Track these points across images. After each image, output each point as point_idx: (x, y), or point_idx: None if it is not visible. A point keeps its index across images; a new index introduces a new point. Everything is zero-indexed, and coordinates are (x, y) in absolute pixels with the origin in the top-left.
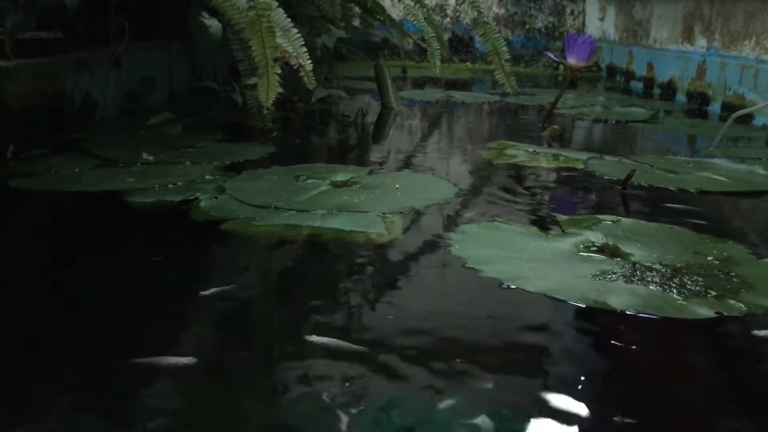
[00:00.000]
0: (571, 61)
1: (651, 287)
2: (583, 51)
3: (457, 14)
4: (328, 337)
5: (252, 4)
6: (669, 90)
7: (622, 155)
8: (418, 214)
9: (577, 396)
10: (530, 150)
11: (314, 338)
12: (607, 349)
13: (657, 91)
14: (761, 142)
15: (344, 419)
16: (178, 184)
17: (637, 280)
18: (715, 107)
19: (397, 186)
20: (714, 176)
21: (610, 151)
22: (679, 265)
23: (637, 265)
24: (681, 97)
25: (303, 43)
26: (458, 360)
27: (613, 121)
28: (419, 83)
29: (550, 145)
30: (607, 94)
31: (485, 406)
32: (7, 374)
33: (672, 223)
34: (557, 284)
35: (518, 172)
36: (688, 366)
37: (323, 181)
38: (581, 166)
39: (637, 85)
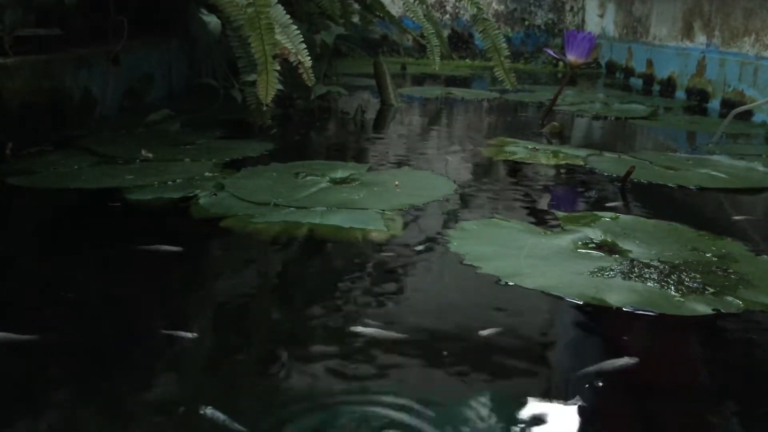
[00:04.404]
0: (571, 57)
1: (649, 284)
2: (583, 48)
3: (457, 11)
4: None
5: (251, 0)
6: (668, 87)
7: (622, 152)
8: (418, 211)
9: (574, 393)
10: (530, 147)
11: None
12: (604, 346)
13: (656, 87)
14: (761, 138)
15: (340, 411)
16: (177, 181)
17: (635, 277)
18: (714, 104)
19: (397, 183)
20: (713, 173)
21: (609, 147)
22: (677, 261)
23: (635, 262)
24: (680, 94)
25: (302, 39)
26: (455, 356)
27: (612, 118)
28: (419, 80)
29: (549, 142)
30: (606, 91)
31: (482, 403)
32: (4, 372)
33: (671, 220)
34: (555, 281)
35: (517, 169)
36: (684, 363)
37: (322, 178)
38: (580, 163)
39: (637, 82)
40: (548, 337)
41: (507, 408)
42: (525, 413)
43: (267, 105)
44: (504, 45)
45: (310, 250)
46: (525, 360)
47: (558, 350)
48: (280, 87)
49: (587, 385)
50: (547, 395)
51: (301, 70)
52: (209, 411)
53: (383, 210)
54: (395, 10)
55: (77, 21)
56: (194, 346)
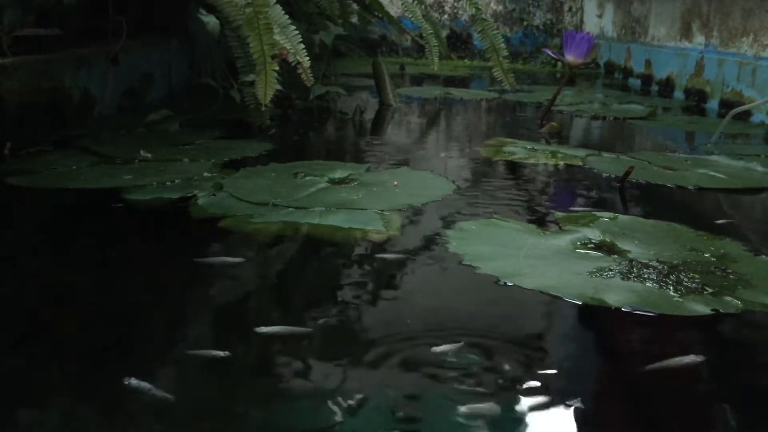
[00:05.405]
0: (570, 58)
1: (648, 284)
2: (582, 48)
3: (456, 11)
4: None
5: (249, 0)
6: (667, 87)
7: (620, 152)
8: (416, 211)
9: (572, 392)
10: (528, 147)
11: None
12: (603, 347)
13: (655, 88)
14: (759, 139)
15: (340, 411)
16: (176, 181)
17: (634, 277)
18: (713, 104)
19: (395, 183)
20: (712, 173)
21: (608, 148)
22: (676, 262)
23: (634, 262)
24: (679, 94)
25: (301, 40)
26: (455, 356)
27: (611, 118)
28: (417, 80)
29: (548, 142)
30: (605, 91)
31: (479, 400)
32: (4, 371)
33: (669, 220)
34: (554, 281)
35: (516, 170)
36: (684, 363)
37: (321, 178)
38: (579, 163)
39: (636, 82)
40: (547, 336)
41: (503, 406)
42: (520, 412)
43: (266, 105)
44: (503, 45)
45: (309, 251)
46: (523, 359)
47: (557, 350)
48: (279, 87)
49: (577, 387)
50: (543, 393)
51: (299, 71)
52: (134, 381)
53: (382, 210)
54: (394, 10)
55: (76, 21)
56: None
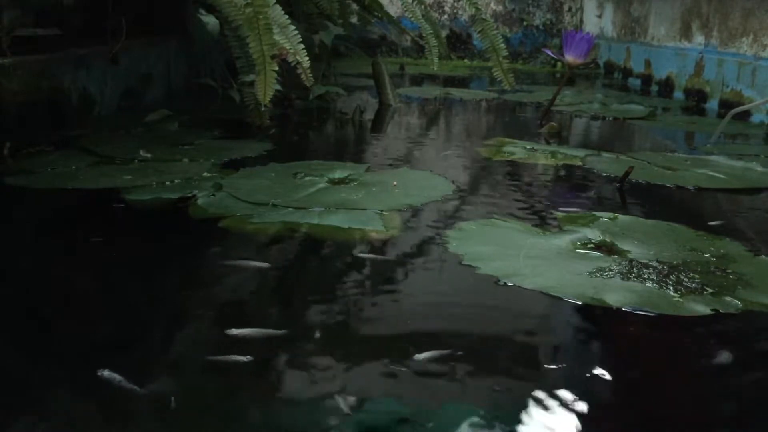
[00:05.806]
0: (569, 58)
1: (648, 284)
2: (581, 48)
3: (455, 11)
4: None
5: (249, 0)
6: (667, 87)
7: (620, 152)
8: (416, 211)
9: (572, 392)
10: (528, 147)
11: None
12: (602, 347)
13: (655, 88)
14: (759, 139)
15: (339, 412)
16: (176, 181)
17: (634, 277)
18: (712, 104)
19: (395, 183)
20: (711, 173)
21: (607, 148)
22: (676, 262)
23: (634, 263)
24: (679, 94)
25: (300, 40)
26: (454, 356)
27: (610, 118)
28: (417, 80)
29: (548, 142)
30: (604, 91)
31: (480, 402)
32: (4, 371)
33: (669, 220)
34: (554, 281)
35: (516, 170)
36: (684, 364)
37: (321, 179)
38: (579, 163)
39: (635, 82)
40: (546, 337)
41: (502, 406)
42: (519, 412)
43: (265, 105)
44: (502, 45)
45: (308, 251)
46: (523, 359)
47: (556, 350)
48: (279, 87)
49: (577, 387)
50: (542, 393)
51: (299, 71)
52: (106, 373)
53: (382, 210)
54: (394, 10)
55: (76, 21)
56: (188, 348)
